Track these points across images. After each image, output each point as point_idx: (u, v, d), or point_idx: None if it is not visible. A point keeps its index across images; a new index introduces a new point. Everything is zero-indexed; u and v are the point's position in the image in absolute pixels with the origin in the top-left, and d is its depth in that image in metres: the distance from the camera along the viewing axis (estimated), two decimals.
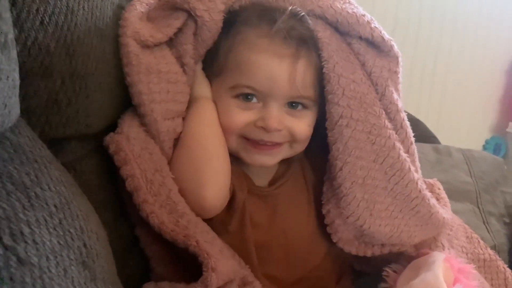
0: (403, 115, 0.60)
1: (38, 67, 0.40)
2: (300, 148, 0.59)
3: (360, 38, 0.55)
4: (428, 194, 0.62)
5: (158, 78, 0.53)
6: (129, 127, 0.52)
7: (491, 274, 0.76)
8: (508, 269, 0.76)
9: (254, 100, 0.54)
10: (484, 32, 1.76)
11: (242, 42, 0.53)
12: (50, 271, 0.24)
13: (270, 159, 0.58)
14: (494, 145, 1.93)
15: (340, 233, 0.60)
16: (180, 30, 0.54)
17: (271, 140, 0.55)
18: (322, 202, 0.60)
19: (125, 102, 0.57)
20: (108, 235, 0.35)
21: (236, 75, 0.53)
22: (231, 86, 0.54)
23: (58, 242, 0.26)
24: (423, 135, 1.31)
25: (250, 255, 0.57)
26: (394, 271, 0.62)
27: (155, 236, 0.49)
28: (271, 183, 0.63)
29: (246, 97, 0.54)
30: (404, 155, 0.58)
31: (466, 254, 0.76)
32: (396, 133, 0.58)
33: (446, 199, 0.74)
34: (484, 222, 0.96)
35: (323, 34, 0.53)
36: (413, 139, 0.62)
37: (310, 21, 0.52)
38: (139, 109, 0.52)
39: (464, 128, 1.88)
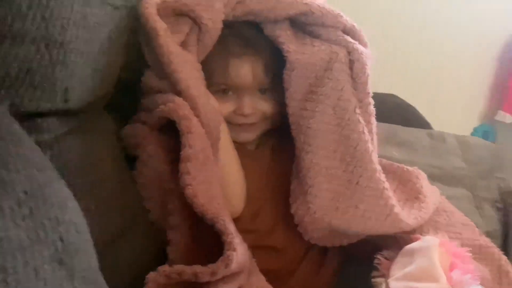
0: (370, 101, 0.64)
1: (7, 31, 0.34)
2: (272, 122, 0.70)
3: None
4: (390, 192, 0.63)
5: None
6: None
7: (486, 261, 0.74)
8: (503, 256, 0.74)
9: (230, 93, 0.66)
10: (475, 18, 1.74)
11: (220, 48, 0.63)
12: (16, 272, 0.19)
13: (251, 135, 0.70)
14: (483, 133, 1.93)
15: (311, 232, 0.65)
16: (187, 34, 0.60)
17: (249, 122, 0.67)
18: (290, 202, 0.65)
19: (109, 76, 0.52)
20: (88, 224, 0.31)
21: (215, 75, 0.64)
22: (211, 84, 0.63)
23: (28, 236, 0.22)
24: (416, 121, 1.29)
25: None
26: (386, 258, 0.59)
27: (183, 219, 0.53)
28: None
29: (223, 91, 0.65)
30: (370, 147, 0.61)
31: (461, 240, 0.74)
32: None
33: (423, 189, 0.71)
34: (477, 208, 0.94)
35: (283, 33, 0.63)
36: (375, 129, 0.66)
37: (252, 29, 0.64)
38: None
39: (452, 115, 1.87)
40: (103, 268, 0.33)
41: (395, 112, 1.31)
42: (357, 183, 0.61)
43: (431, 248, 0.55)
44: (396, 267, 0.56)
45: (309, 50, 0.63)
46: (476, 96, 1.90)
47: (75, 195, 0.32)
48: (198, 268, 0.46)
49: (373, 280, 0.56)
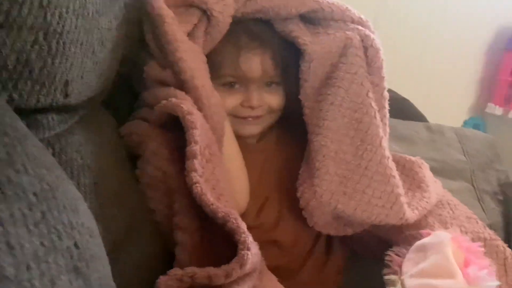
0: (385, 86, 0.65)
1: (3, 19, 0.31)
2: (276, 116, 0.70)
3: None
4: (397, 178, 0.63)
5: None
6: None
7: (490, 254, 0.74)
8: (508, 249, 0.73)
9: (237, 86, 0.65)
10: (463, 12, 1.75)
11: (230, 42, 0.63)
12: (32, 285, 0.17)
13: (256, 129, 0.69)
14: (473, 126, 1.94)
15: (316, 218, 0.64)
16: (195, 25, 0.60)
17: (255, 115, 0.67)
18: (297, 185, 0.65)
19: (109, 70, 0.49)
20: None
21: (223, 67, 0.63)
22: (218, 76, 0.63)
23: (42, 243, 0.19)
24: (413, 114, 1.28)
25: None
26: (397, 255, 0.58)
27: (191, 219, 0.51)
28: None
29: (230, 84, 0.65)
30: (381, 132, 0.61)
31: (466, 233, 0.74)
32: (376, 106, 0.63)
33: (426, 178, 0.71)
34: (479, 201, 0.93)
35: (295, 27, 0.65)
36: (388, 115, 0.66)
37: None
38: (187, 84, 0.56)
39: (443, 109, 1.87)
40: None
41: (392, 105, 1.31)
42: (365, 167, 0.61)
43: (444, 244, 0.53)
44: (409, 264, 0.55)
45: (325, 39, 0.63)
46: (466, 90, 1.91)
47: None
48: (211, 270, 0.43)
49: (386, 277, 0.54)
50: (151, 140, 0.55)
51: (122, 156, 0.53)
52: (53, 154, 0.36)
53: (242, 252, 0.44)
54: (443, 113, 1.84)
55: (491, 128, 1.95)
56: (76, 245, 0.22)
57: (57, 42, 0.36)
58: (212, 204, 0.47)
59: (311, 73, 0.64)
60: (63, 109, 0.40)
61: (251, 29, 0.64)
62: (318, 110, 0.63)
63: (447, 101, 1.88)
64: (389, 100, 1.35)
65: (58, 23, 0.36)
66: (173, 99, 0.53)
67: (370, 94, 0.61)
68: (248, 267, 0.44)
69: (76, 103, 0.41)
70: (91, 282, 0.22)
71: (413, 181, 0.70)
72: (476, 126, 1.95)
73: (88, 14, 0.41)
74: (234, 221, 0.47)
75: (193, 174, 0.49)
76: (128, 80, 0.63)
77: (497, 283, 0.51)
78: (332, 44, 0.62)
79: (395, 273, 0.56)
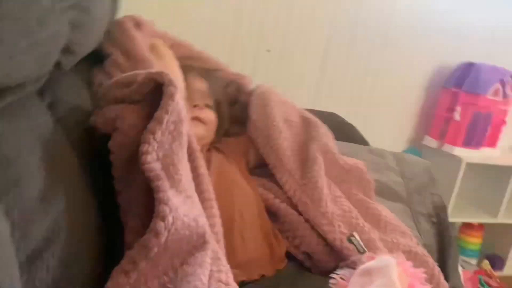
0: None
1: None
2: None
3: None
4: None
5: None
6: None
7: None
8: (436, 267, 0.77)
9: None
10: (408, 51, 1.87)
11: None
12: None
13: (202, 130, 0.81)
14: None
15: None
16: None
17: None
18: None
19: (47, 55, 0.46)
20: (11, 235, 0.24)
21: None
22: None
23: None
24: (357, 138, 1.32)
25: None
26: (342, 278, 0.57)
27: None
28: None
29: None
30: None
31: (398, 246, 0.76)
32: None
33: None
34: (415, 222, 0.97)
35: None
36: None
37: None
38: None
39: (385, 137, 1.96)
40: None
41: (337, 129, 1.34)
42: None
43: (390, 268, 0.53)
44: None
45: None
46: (407, 121, 2.01)
47: None
48: (130, 253, 0.40)
49: None
50: (129, 114, 0.54)
51: (54, 153, 0.48)
52: None
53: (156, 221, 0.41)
54: (384, 142, 1.93)
55: (427, 159, 2.05)
56: None
57: None
58: (149, 163, 0.45)
59: None
60: None
61: None
62: None
63: (388, 130, 1.97)
64: (335, 124, 1.40)
65: None
66: (157, 70, 0.54)
67: None
68: (163, 239, 0.40)
69: (2, 86, 0.38)
70: None
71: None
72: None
73: None
74: (160, 185, 0.44)
75: (149, 135, 0.48)
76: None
77: None
78: None
79: None
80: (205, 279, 0.43)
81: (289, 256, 0.75)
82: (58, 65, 0.57)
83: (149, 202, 0.45)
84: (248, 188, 0.76)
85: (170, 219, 0.41)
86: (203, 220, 0.48)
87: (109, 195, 0.52)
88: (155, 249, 0.40)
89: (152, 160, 0.46)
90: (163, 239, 0.40)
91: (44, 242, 0.41)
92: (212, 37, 1.56)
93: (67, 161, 0.53)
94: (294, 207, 0.77)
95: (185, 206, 0.45)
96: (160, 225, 0.40)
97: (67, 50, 0.55)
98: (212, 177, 0.66)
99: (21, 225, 0.38)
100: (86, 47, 0.62)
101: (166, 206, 0.41)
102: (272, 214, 0.77)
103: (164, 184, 0.44)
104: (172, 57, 0.85)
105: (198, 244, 0.45)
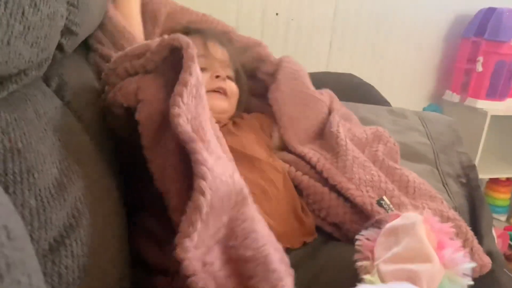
0: None
1: None
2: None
3: None
4: None
5: None
6: None
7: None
8: (470, 231, 0.73)
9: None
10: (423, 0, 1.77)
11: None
12: None
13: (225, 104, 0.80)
14: None
15: None
16: None
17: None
18: None
19: (46, 38, 0.43)
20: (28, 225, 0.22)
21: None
22: None
23: None
24: (377, 98, 1.27)
25: None
26: (367, 239, 0.55)
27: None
28: None
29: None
30: None
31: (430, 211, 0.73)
32: None
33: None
34: (443, 184, 0.93)
35: None
36: None
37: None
38: None
39: (403, 96, 1.90)
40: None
41: (355, 90, 1.29)
42: None
43: (417, 226, 0.50)
44: (381, 249, 0.51)
45: None
46: (426, 77, 1.94)
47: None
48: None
49: (358, 264, 0.51)
50: (150, 85, 0.53)
51: (66, 138, 0.46)
52: None
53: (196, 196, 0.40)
54: (403, 100, 1.87)
55: (449, 115, 2.00)
56: None
57: None
58: (182, 126, 0.45)
59: None
60: None
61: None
62: None
63: (407, 88, 1.91)
64: (353, 86, 1.34)
65: None
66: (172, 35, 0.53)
67: None
68: (209, 197, 0.40)
69: (2, 75, 0.34)
70: None
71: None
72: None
73: None
74: (195, 146, 0.43)
75: (178, 98, 0.47)
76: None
77: (473, 264, 0.49)
78: None
79: (367, 258, 0.53)
80: (264, 231, 0.45)
81: (318, 230, 0.72)
82: (60, 48, 0.54)
83: (182, 166, 0.46)
84: (272, 162, 0.73)
85: (209, 177, 0.41)
86: (237, 176, 0.48)
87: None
88: (206, 208, 0.40)
89: (184, 123, 0.46)
90: (209, 197, 0.40)
91: (66, 229, 0.39)
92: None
93: (81, 144, 0.51)
94: (317, 179, 0.74)
95: (218, 166, 0.45)
96: (203, 184, 0.40)
97: (67, 31, 0.52)
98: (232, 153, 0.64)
99: (39, 214, 0.36)
100: (86, 28, 0.59)
101: (204, 166, 0.42)
102: (295, 188, 0.75)
103: (199, 145, 0.44)
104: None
105: (239, 199, 0.46)
